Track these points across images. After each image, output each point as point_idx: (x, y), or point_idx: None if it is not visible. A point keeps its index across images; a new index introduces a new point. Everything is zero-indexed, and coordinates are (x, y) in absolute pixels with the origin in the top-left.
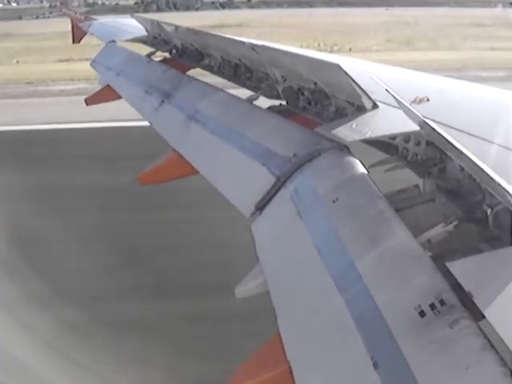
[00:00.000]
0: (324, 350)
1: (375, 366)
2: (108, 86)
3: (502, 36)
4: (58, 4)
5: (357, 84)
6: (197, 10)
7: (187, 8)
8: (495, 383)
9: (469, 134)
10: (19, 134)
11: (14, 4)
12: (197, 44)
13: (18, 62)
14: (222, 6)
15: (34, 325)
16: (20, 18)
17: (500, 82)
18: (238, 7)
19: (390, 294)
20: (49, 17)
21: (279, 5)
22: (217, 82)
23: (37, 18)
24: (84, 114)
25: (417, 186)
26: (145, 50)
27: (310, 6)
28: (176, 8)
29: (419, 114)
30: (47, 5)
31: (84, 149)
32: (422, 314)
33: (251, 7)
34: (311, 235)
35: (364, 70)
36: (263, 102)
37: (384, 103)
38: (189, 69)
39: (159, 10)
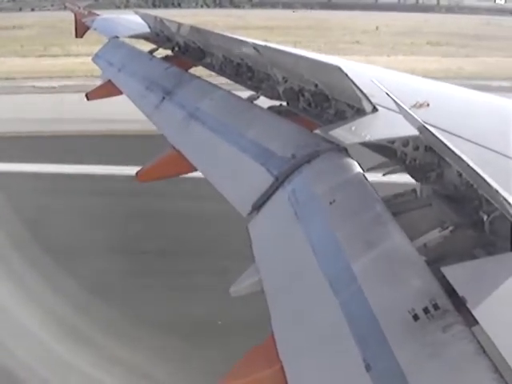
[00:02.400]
0: (317, 351)
1: (367, 368)
2: (109, 81)
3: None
4: None
5: (357, 87)
6: (179, 6)
7: (166, 5)
8: None
9: (468, 140)
10: None
11: None
12: (199, 42)
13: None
14: (220, 5)
15: None
16: (20, 9)
17: None
18: (230, 7)
19: (385, 296)
20: (49, 9)
21: (273, 6)
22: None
23: (32, 10)
24: None
25: (414, 190)
26: (147, 46)
27: (306, 7)
28: (154, 5)
29: (418, 119)
30: None
31: None
32: (415, 317)
33: (237, 7)
34: (307, 236)
35: (365, 73)
36: (263, 102)
37: (384, 107)
38: (191, 66)
39: (139, 6)
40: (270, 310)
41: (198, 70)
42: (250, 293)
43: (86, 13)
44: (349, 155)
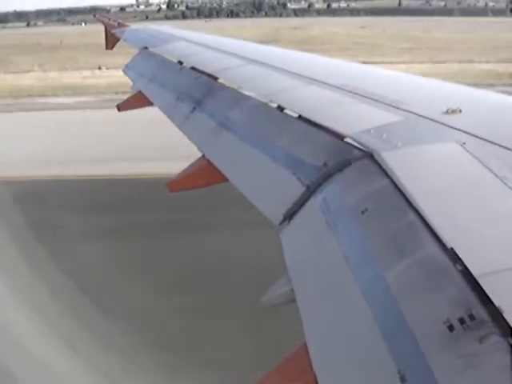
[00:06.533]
0: (350, 362)
1: (402, 379)
2: (140, 92)
3: None
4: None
5: None
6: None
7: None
8: None
9: (503, 146)
10: None
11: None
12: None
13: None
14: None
15: None
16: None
17: None
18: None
19: (419, 307)
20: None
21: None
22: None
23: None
24: None
25: None
26: None
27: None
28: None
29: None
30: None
31: None
32: (450, 328)
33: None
34: (340, 246)
35: (396, 80)
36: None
37: (415, 114)
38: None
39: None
40: (303, 321)
41: None
42: (281, 303)
43: (116, 24)
44: (380, 163)
